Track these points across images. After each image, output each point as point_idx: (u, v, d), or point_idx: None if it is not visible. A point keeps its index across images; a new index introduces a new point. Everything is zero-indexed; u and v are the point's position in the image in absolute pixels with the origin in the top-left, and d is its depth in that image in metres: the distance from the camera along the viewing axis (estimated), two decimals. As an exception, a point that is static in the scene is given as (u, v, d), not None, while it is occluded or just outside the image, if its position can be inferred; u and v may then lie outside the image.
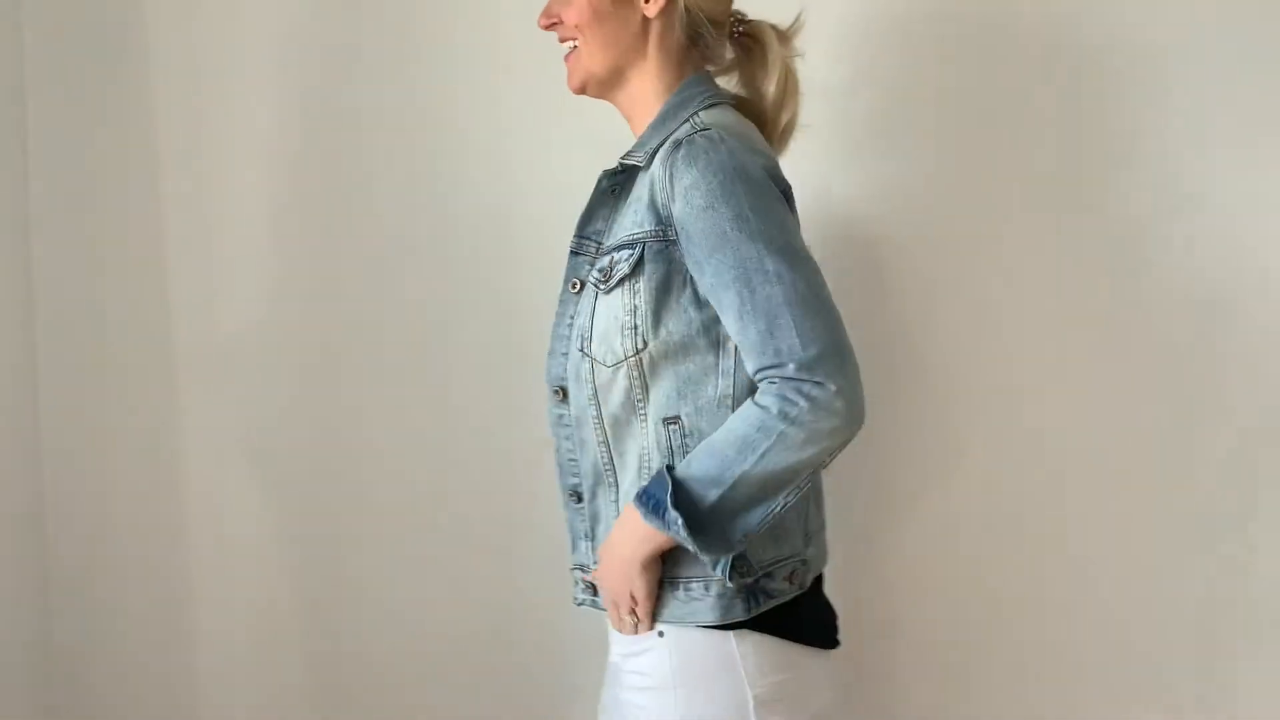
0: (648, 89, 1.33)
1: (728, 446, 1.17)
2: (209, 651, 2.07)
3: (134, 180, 2.01)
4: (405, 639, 1.98)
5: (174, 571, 2.06)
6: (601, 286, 1.27)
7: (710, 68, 1.38)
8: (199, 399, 2.03)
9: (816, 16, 1.42)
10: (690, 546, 1.17)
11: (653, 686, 1.26)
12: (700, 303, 1.23)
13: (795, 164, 1.41)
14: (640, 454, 1.26)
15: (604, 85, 1.35)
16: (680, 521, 1.16)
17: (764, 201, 1.19)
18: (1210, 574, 1.69)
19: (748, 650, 1.23)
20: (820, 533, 1.37)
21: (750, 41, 1.37)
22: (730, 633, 1.24)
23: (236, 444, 2.02)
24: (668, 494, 1.18)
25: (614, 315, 1.25)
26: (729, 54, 1.39)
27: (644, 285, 1.23)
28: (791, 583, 1.27)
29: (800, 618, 1.28)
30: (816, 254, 1.27)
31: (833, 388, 1.14)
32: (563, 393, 1.32)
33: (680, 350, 1.24)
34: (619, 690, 1.31)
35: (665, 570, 1.25)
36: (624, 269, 1.24)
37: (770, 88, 1.34)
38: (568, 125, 1.78)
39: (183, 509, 2.05)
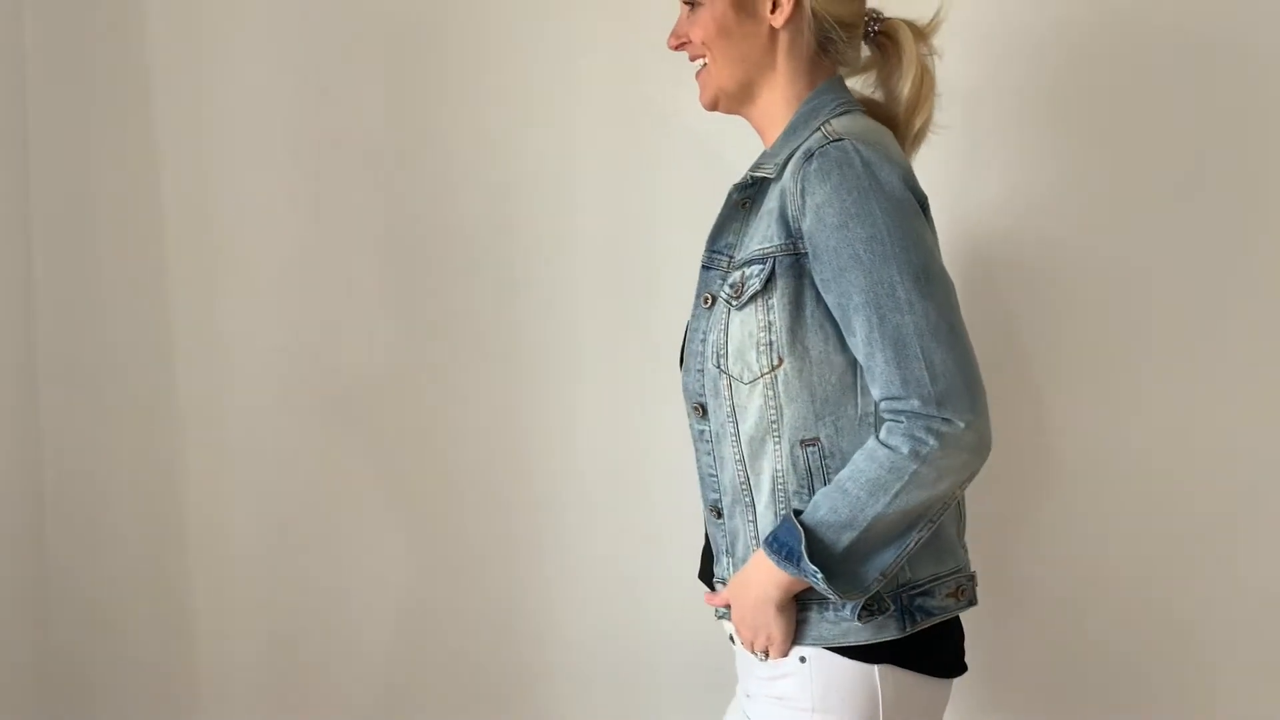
0: (778, 100, 1.30)
1: (859, 489, 1.15)
2: (208, 651, 2.09)
3: (134, 179, 2.03)
4: (406, 639, 1.99)
5: (173, 571, 2.09)
6: (734, 302, 1.24)
7: (844, 70, 1.35)
8: (200, 398, 2.03)
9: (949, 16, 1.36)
10: (830, 595, 1.17)
11: (793, 710, 1.25)
12: (834, 320, 1.22)
13: (923, 168, 1.37)
14: (774, 475, 1.24)
15: (735, 100, 1.33)
16: (820, 575, 1.15)
17: (901, 220, 1.16)
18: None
19: (889, 685, 1.22)
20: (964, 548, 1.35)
21: (886, 41, 1.33)
22: (875, 666, 1.22)
23: (236, 443, 2.03)
24: (801, 543, 1.16)
25: (748, 331, 1.23)
26: (863, 55, 1.36)
27: (777, 301, 1.21)
28: (958, 598, 1.25)
29: (946, 641, 1.28)
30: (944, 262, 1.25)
31: (961, 424, 1.12)
32: (702, 409, 1.30)
33: (817, 368, 1.22)
34: (754, 710, 1.30)
35: (808, 592, 1.22)
36: (755, 285, 1.22)
37: (905, 89, 1.30)
38: (576, 121, 1.78)
39: (182, 509, 2.06)
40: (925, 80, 1.30)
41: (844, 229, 1.15)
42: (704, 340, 1.29)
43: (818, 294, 1.21)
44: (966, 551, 1.31)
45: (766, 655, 1.25)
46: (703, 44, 1.30)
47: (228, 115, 1.97)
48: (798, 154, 1.23)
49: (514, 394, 1.90)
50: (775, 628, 1.22)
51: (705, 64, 1.32)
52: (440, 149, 1.91)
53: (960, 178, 1.67)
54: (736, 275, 1.25)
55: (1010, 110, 1.69)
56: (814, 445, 1.21)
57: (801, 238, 1.19)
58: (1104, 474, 1.70)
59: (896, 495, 1.14)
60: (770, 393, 1.22)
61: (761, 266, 1.22)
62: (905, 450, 1.13)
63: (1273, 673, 1.66)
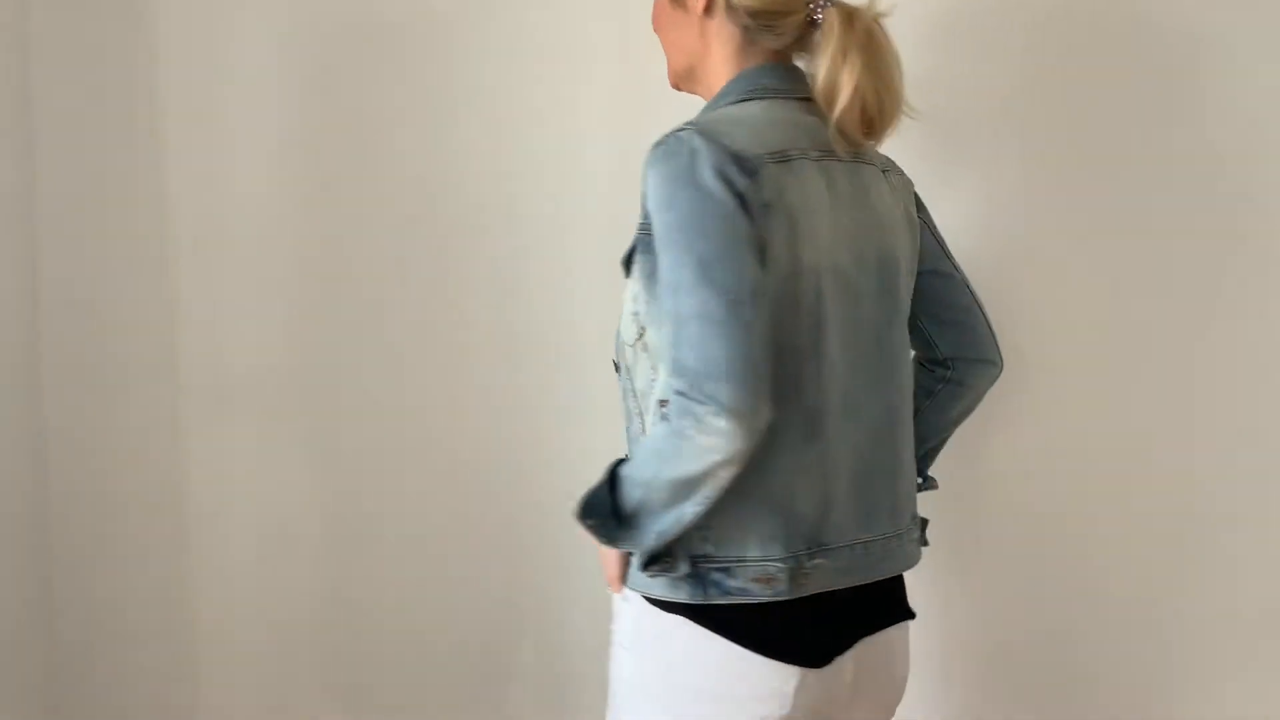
0: (715, 83, 1.35)
1: (644, 453, 1.23)
2: (210, 651, 2.06)
3: (140, 176, 1.99)
4: (406, 637, 1.98)
5: (176, 570, 2.05)
6: (626, 271, 1.32)
7: (803, 55, 1.36)
8: (202, 395, 2.03)
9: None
10: (596, 539, 1.26)
11: (622, 644, 1.34)
12: None
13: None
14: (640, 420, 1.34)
15: (686, 81, 1.40)
16: (588, 519, 1.25)
17: (701, 212, 1.19)
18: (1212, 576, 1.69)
19: (685, 640, 1.26)
20: (844, 549, 1.31)
21: (823, 25, 1.31)
22: (673, 618, 1.27)
23: (239, 441, 2.02)
24: (590, 490, 1.26)
25: (627, 299, 1.31)
26: (797, 40, 1.34)
27: (638, 273, 1.27)
28: (765, 586, 1.26)
29: (769, 625, 1.27)
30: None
31: (715, 409, 1.15)
32: (615, 367, 1.37)
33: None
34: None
35: None
36: (631, 257, 1.29)
37: (819, 74, 1.29)
38: (581, 119, 1.79)
39: (185, 507, 2.04)
40: (845, 68, 1.27)
41: (660, 213, 1.20)
42: (625, 301, 1.35)
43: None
44: (822, 555, 1.29)
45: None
46: (655, 31, 1.40)
47: (234, 111, 1.97)
48: None
49: (518, 391, 1.90)
50: (609, 564, 1.32)
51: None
52: (447, 140, 1.91)
53: (938, 173, 1.68)
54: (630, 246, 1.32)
55: (990, 107, 1.72)
56: (665, 406, 1.23)
57: (648, 216, 1.24)
58: (1075, 469, 1.73)
59: (663, 466, 1.19)
60: (644, 355, 1.28)
61: (638, 243, 1.27)
62: (671, 427, 1.18)
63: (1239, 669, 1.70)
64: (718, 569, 1.25)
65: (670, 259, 1.19)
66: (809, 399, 1.25)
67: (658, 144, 1.22)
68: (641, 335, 1.27)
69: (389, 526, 1.97)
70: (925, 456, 1.54)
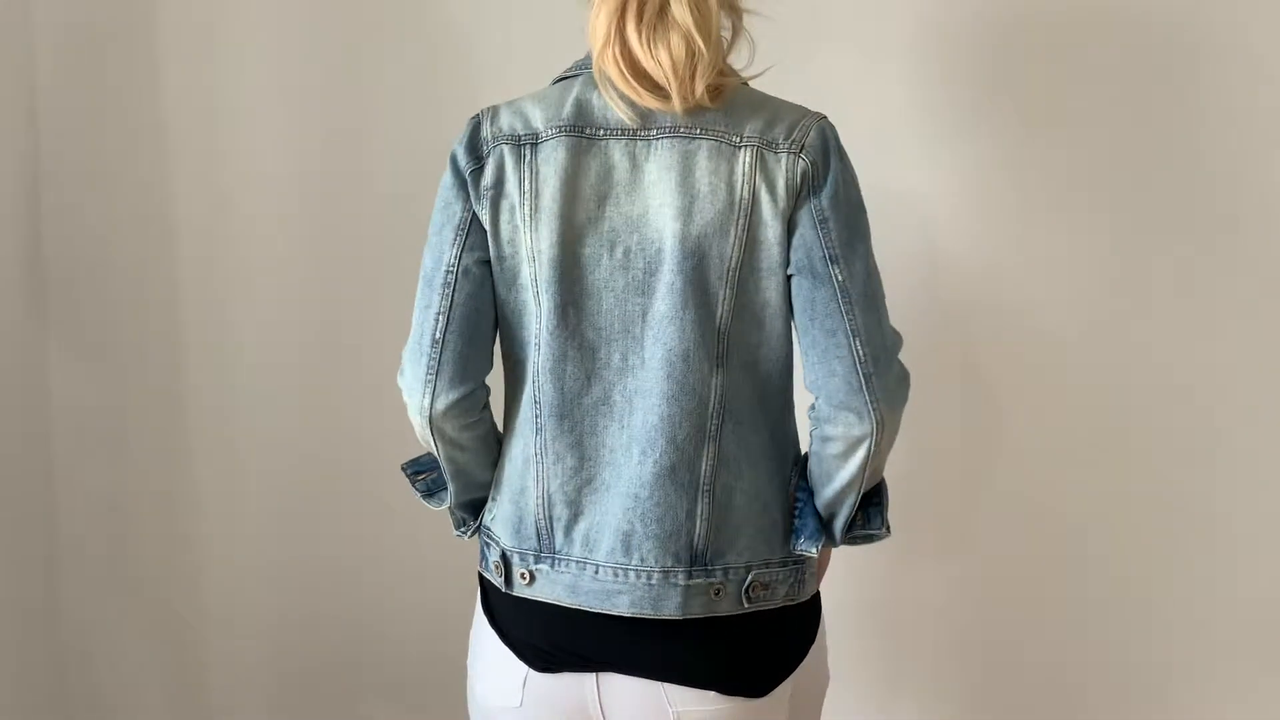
0: None
1: None
2: (213, 651, 2.06)
3: (144, 172, 1.98)
4: (406, 635, 1.98)
5: (179, 568, 2.05)
6: None
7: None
8: (205, 394, 2.02)
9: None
10: (415, 495, 1.39)
11: None
12: None
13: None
14: None
15: None
16: (408, 471, 1.40)
17: (443, 189, 1.25)
18: (1214, 575, 1.68)
19: (479, 601, 1.33)
20: (572, 564, 1.23)
21: None
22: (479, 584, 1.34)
23: (243, 437, 2.01)
24: (425, 454, 1.39)
25: None
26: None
27: None
28: (496, 570, 1.28)
29: (515, 612, 1.27)
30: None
31: (400, 382, 1.29)
32: None
33: None
34: None
35: None
36: None
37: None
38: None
39: (188, 506, 2.04)
40: (601, 14, 1.17)
41: None
42: None
43: None
44: (547, 560, 1.23)
45: None
46: None
47: (238, 109, 1.95)
48: None
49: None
50: None
51: None
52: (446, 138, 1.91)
53: (931, 174, 1.70)
54: None
55: (982, 106, 1.72)
56: None
57: None
58: (1069, 471, 1.74)
59: None
60: None
61: None
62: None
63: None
64: (486, 543, 1.30)
65: None
66: (538, 391, 1.22)
67: None
68: None
69: (394, 524, 1.96)
70: (829, 518, 1.25)
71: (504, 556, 1.25)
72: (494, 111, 1.23)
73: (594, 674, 1.22)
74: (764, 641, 1.22)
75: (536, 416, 1.22)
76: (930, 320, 1.69)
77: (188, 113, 1.96)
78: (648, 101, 1.17)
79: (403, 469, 1.40)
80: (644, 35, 1.15)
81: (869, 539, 1.27)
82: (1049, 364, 1.72)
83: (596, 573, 1.20)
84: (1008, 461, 1.75)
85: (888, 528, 1.27)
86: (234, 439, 2.02)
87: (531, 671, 1.25)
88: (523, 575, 1.24)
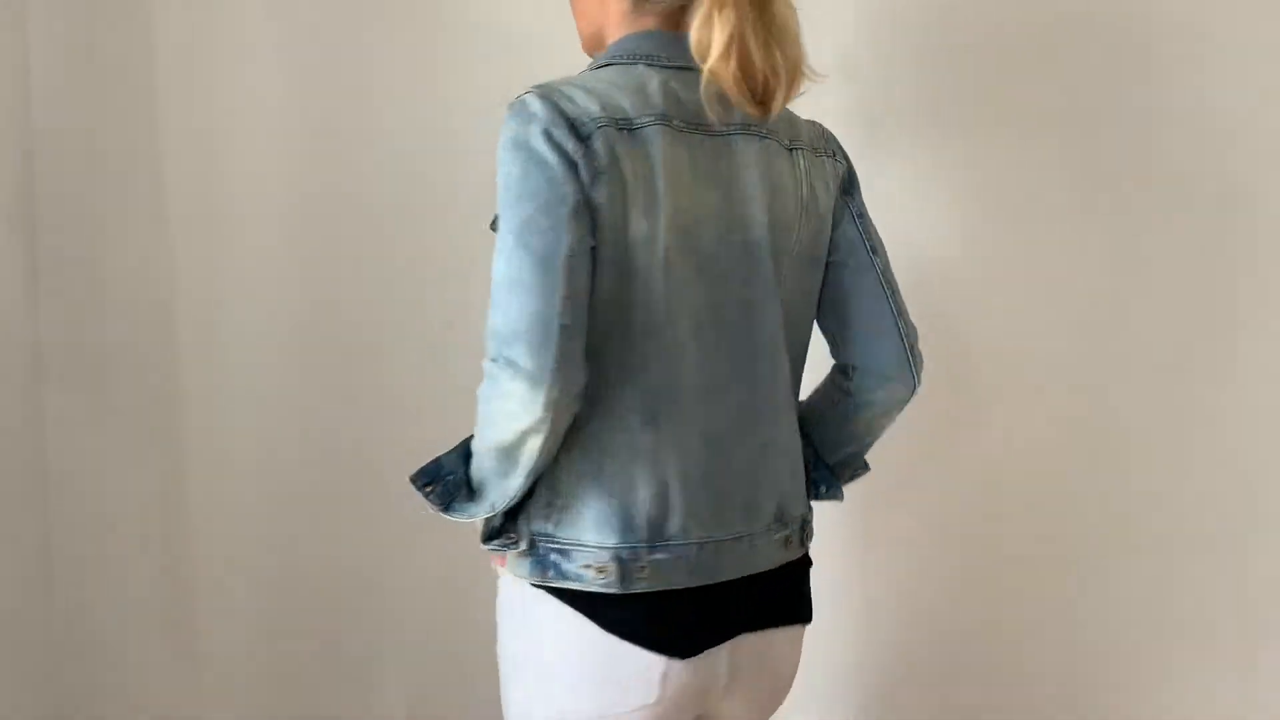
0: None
1: (477, 420, 1.22)
2: (210, 650, 2.06)
3: (138, 168, 1.98)
4: (406, 632, 1.98)
5: (176, 566, 2.04)
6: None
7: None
8: (202, 392, 2.02)
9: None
10: (428, 505, 1.26)
11: (499, 616, 1.33)
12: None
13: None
14: None
15: (596, 48, 1.35)
16: (422, 487, 1.26)
17: (524, 174, 1.17)
18: (1210, 573, 1.68)
19: (551, 614, 1.25)
20: (689, 547, 1.26)
21: None
22: (537, 590, 1.25)
23: (239, 434, 2.02)
24: (443, 457, 1.27)
25: None
26: (683, 6, 1.29)
27: None
28: (600, 574, 1.23)
29: (635, 611, 1.24)
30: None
31: (509, 372, 1.14)
32: None
33: None
34: None
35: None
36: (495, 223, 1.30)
37: (692, 32, 1.23)
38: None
39: (185, 504, 2.04)
40: (718, 23, 1.21)
41: (498, 176, 1.19)
42: None
43: None
44: (662, 549, 1.24)
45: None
46: None
47: (232, 107, 1.96)
48: None
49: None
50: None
51: None
52: (446, 134, 1.91)
53: (914, 172, 1.71)
54: None
55: (967, 105, 1.75)
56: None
57: None
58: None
59: (483, 434, 1.20)
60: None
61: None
62: (481, 393, 1.18)
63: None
64: (556, 550, 1.23)
65: (500, 223, 1.18)
66: (650, 381, 1.21)
67: (509, 106, 1.20)
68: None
69: (392, 522, 1.96)
70: (836, 466, 1.43)
71: (615, 558, 1.23)
72: (557, 92, 1.20)
73: (729, 642, 1.27)
74: (806, 575, 1.38)
75: (649, 406, 1.21)
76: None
77: (186, 111, 1.97)
78: (748, 107, 1.22)
79: (412, 481, 1.28)
80: (761, 45, 1.21)
81: (856, 477, 1.46)
82: (1031, 362, 1.75)
83: (722, 544, 1.27)
84: (994, 459, 1.78)
85: (866, 464, 1.46)
86: (229, 436, 2.02)
87: (672, 661, 1.24)
88: (640, 569, 1.23)
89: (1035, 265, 1.72)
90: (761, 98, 1.22)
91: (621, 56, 1.26)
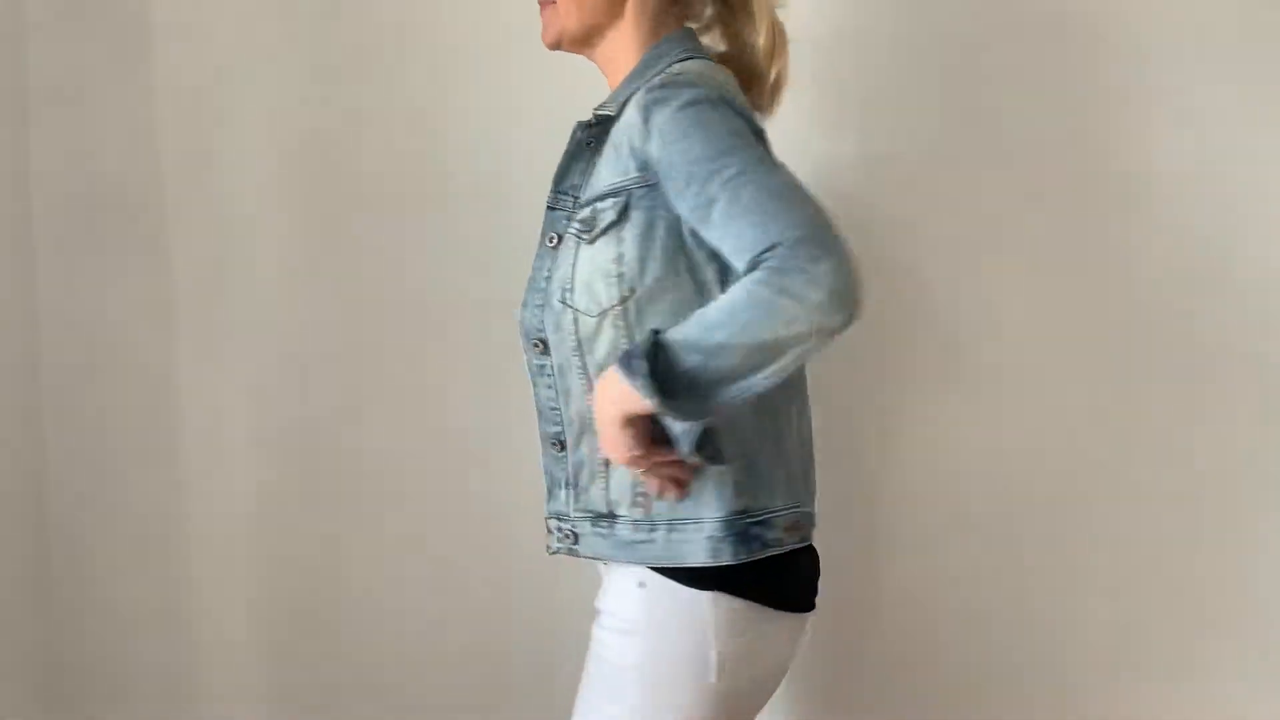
0: (622, 46, 1.35)
1: (718, 314, 1.14)
2: (208, 649, 2.06)
3: (137, 175, 1.98)
4: (405, 630, 1.98)
5: (173, 565, 2.04)
6: (585, 237, 1.27)
7: (694, 25, 1.39)
8: (200, 390, 2.02)
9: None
10: (649, 399, 1.13)
11: (623, 629, 1.29)
12: (685, 247, 1.24)
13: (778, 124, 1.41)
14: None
15: (577, 42, 1.37)
16: (644, 380, 1.12)
17: (734, 122, 1.20)
18: (1206, 571, 1.70)
19: (721, 611, 1.25)
20: (814, 492, 1.39)
21: None
22: (706, 593, 1.25)
23: (237, 433, 2.01)
24: (643, 350, 1.15)
25: (598, 265, 1.26)
26: (709, 9, 1.40)
27: (629, 232, 1.24)
28: (792, 534, 1.29)
29: (786, 576, 1.30)
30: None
31: (823, 265, 1.10)
32: (542, 344, 1.33)
33: (666, 295, 1.24)
34: (594, 628, 1.34)
35: (656, 511, 1.27)
36: (609, 217, 1.25)
37: (759, 39, 1.35)
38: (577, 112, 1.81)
39: (182, 503, 2.03)
40: (777, 29, 1.35)
41: (685, 138, 1.18)
42: (548, 278, 1.31)
43: (668, 224, 1.23)
44: (811, 495, 1.36)
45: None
46: None
47: (231, 106, 1.96)
48: (640, 91, 1.26)
49: (516, 389, 1.88)
50: (627, 440, 1.18)
51: (554, 3, 1.35)
52: (442, 131, 1.90)
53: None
54: (586, 212, 1.27)
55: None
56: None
57: (650, 166, 1.22)
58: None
59: (747, 325, 1.12)
60: (622, 323, 1.24)
61: (615, 200, 1.25)
62: (765, 280, 1.11)
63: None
64: (756, 522, 1.25)
65: (713, 166, 1.16)
66: None
67: (658, 89, 1.21)
68: (625, 299, 1.24)
69: (390, 520, 1.96)
70: None
71: (802, 515, 1.33)
72: (705, 77, 1.25)
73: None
74: None
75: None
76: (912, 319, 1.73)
77: (182, 109, 1.97)
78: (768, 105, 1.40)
79: (628, 365, 1.14)
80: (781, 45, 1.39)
81: None
82: (1034, 358, 1.74)
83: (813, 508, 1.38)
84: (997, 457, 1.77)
85: None
86: (227, 434, 2.01)
87: (807, 616, 1.36)
88: (798, 528, 1.33)
89: (1039, 261, 1.72)
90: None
91: (691, 50, 1.32)
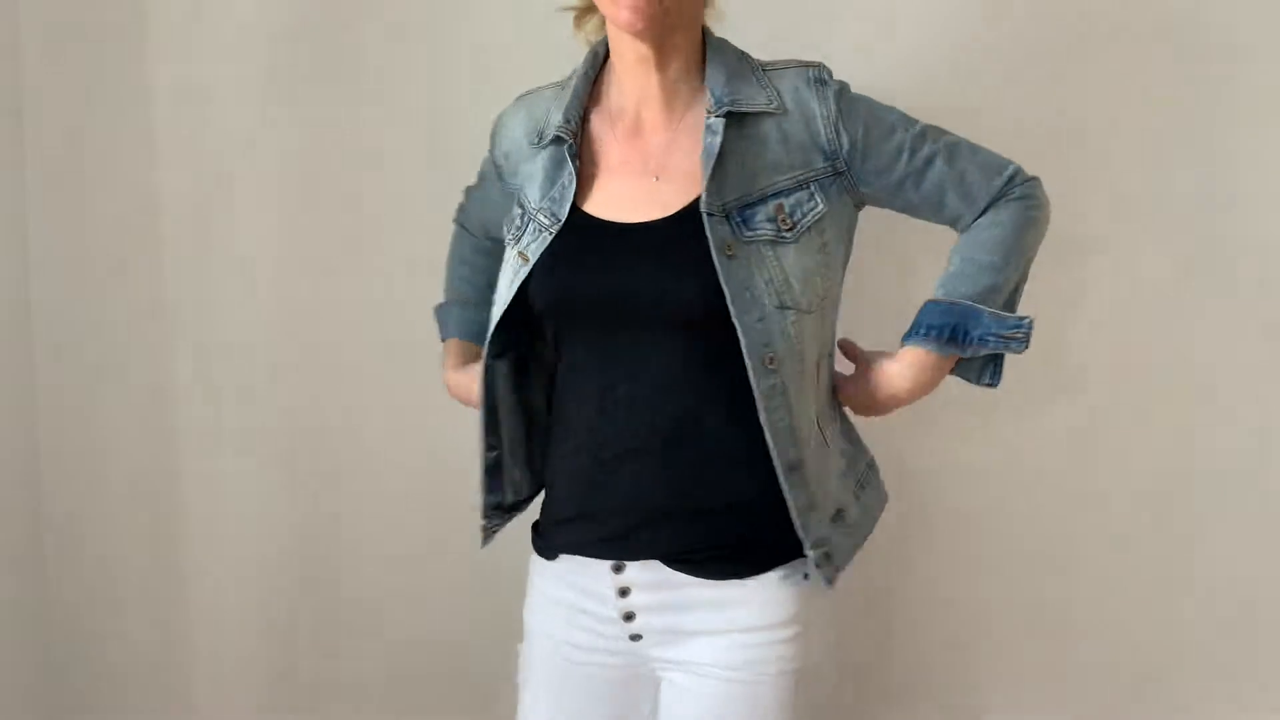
0: (695, 36, 1.29)
1: (994, 254, 1.28)
2: (206, 649, 2.06)
3: (131, 172, 1.98)
4: (404, 630, 1.98)
5: (171, 564, 2.04)
6: (787, 235, 1.23)
7: None
8: (198, 390, 2.01)
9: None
10: (1011, 348, 1.29)
11: (784, 638, 1.25)
12: (850, 239, 1.32)
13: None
14: (817, 400, 1.28)
15: (671, 29, 1.26)
16: (998, 338, 1.28)
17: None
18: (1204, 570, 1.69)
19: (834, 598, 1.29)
20: None
21: None
22: (831, 588, 1.28)
23: (234, 432, 2.01)
24: (982, 316, 1.27)
25: (807, 261, 1.23)
26: None
27: (830, 224, 1.26)
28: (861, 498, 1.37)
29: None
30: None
31: (1035, 181, 1.33)
32: (771, 359, 1.21)
33: (838, 285, 1.32)
34: (713, 670, 1.25)
35: (828, 501, 1.28)
36: (813, 210, 1.25)
37: None
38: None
39: (180, 503, 2.03)
40: None
41: (879, 121, 1.29)
42: (748, 288, 1.20)
43: (846, 207, 1.29)
44: None
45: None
46: None
47: (227, 106, 1.94)
48: (795, 87, 1.28)
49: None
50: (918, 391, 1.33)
51: None
52: (440, 130, 1.91)
53: None
54: (768, 209, 1.23)
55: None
56: (829, 356, 1.32)
57: (839, 156, 1.26)
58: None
59: (1029, 243, 1.31)
60: (822, 319, 1.26)
61: (807, 193, 1.26)
62: (1029, 203, 1.30)
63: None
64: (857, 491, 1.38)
65: (920, 132, 1.29)
66: None
67: (829, 82, 1.29)
68: (828, 293, 1.27)
69: (387, 519, 1.96)
70: None
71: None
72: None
73: None
74: None
75: None
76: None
77: (178, 107, 1.96)
78: None
79: (1007, 338, 1.30)
80: None
81: None
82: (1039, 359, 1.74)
83: None
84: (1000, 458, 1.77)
85: None
86: (222, 433, 2.01)
87: None
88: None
89: (1040, 260, 1.72)
90: None
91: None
